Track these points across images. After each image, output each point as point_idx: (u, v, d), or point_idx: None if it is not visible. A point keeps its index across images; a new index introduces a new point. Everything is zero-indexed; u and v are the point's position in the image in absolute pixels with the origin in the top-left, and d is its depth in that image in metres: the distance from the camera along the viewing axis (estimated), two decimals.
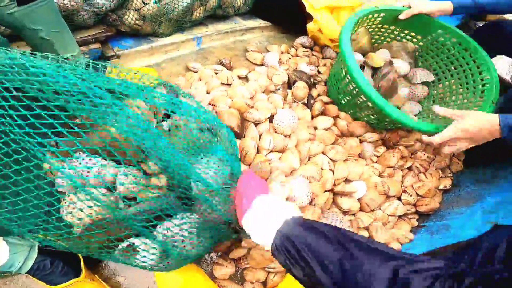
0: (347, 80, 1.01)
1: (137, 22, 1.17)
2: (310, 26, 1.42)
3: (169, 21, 1.23)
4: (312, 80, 1.26)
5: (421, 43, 1.25)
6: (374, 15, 1.13)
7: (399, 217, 0.99)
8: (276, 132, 0.99)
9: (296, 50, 1.46)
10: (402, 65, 1.20)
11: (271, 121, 1.00)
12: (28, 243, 0.58)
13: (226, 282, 0.78)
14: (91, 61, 0.58)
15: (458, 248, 0.56)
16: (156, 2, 1.16)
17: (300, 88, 1.17)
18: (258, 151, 0.93)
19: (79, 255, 0.63)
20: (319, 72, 1.34)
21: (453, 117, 0.83)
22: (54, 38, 0.81)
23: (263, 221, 0.48)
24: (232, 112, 0.95)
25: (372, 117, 1.05)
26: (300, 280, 0.45)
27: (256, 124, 0.97)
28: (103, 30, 1.11)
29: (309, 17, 1.47)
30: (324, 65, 1.40)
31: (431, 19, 1.14)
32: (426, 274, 0.35)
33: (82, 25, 1.08)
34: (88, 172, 0.49)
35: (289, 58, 1.38)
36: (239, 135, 0.94)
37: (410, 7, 1.13)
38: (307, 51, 1.45)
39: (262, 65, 1.32)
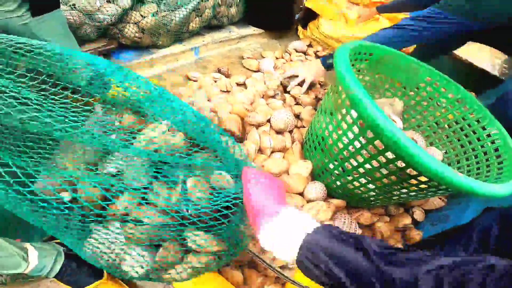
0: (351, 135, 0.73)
1: (136, 34, 1.22)
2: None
3: (167, 32, 1.28)
4: None
5: (405, 97, 1.05)
6: (362, 53, 0.93)
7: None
8: (271, 128, 1.03)
9: (290, 55, 1.52)
10: None
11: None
12: (54, 248, 0.62)
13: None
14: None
15: (453, 233, 0.58)
16: (153, 15, 1.21)
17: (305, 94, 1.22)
18: (261, 152, 0.98)
19: None
20: None
21: None
22: None
23: (284, 236, 0.43)
24: (233, 118, 1.00)
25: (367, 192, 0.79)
26: None
27: (257, 127, 1.02)
28: (105, 43, 1.16)
29: (299, 23, 1.54)
30: None
31: (418, 64, 0.98)
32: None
33: (85, 39, 1.12)
34: None
35: (284, 63, 1.44)
36: (240, 139, 0.99)
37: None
38: (301, 56, 1.51)
39: (258, 71, 1.38)
